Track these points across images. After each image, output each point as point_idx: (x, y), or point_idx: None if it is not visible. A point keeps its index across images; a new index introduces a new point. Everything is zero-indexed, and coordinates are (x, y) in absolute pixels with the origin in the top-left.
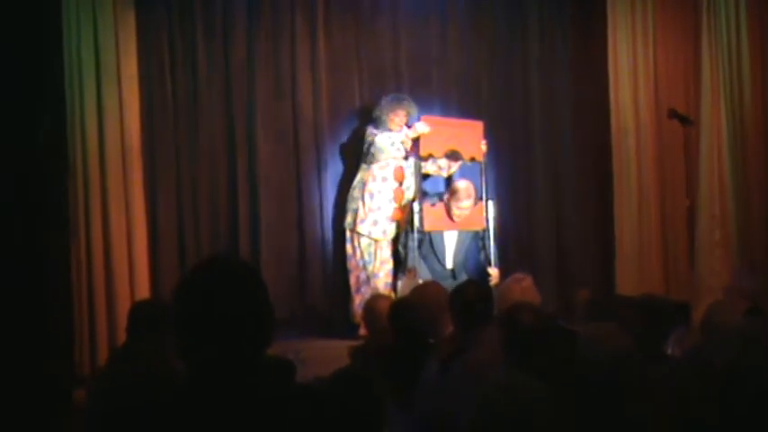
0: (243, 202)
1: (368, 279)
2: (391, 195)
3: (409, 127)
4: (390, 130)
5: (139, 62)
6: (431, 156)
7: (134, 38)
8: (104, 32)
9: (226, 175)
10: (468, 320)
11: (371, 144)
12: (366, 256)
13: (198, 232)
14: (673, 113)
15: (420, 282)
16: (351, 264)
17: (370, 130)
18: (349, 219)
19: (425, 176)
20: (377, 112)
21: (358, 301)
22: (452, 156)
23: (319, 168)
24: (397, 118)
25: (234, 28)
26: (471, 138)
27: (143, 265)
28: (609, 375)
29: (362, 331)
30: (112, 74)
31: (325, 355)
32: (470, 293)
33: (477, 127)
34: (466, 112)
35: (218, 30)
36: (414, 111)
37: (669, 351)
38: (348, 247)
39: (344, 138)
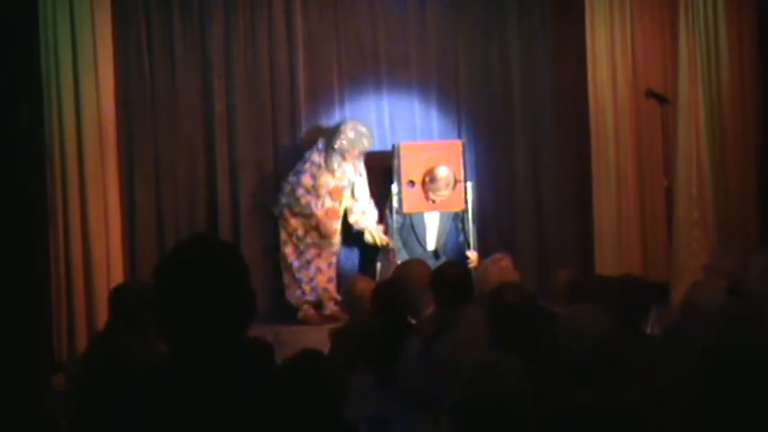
0: (222, 188)
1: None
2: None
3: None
4: (343, 158)
5: (116, 46)
6: (411, 182)
7: (110, 21)
8: (81, 17)
9: (204, 160)
10: (448, 300)
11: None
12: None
13: (177, 219)
14: (650, 93)
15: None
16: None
17: (319, 154)
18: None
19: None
20: (337, 140)
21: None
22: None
23: (295, 152)
24: (357, 152)
25: (211, 10)
26: (450, 159)
27: (121, 252)
28: (590, 356)
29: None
30: (89, 59)
31: (304, 339)
32: (450, 273)
33: (455, 147)
34: (444, 91)
35: (194, 12)
36: (370, 145)
37: (648, 330)
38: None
39: (323, 120)
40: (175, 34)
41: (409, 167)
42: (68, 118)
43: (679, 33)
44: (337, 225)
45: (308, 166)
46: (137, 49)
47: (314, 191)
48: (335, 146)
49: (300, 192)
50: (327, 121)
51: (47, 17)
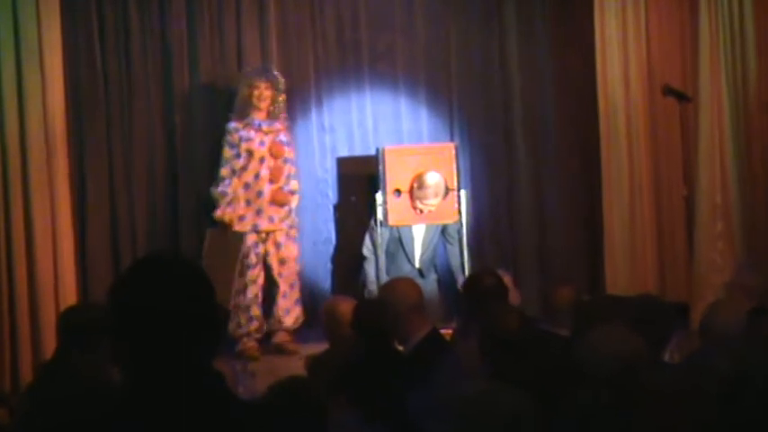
0: (185, 195)
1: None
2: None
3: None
4: (258, 108)
5: (64, 32)
6: (397, 191)
7: (57, 7)
8: (24, 3)
9: (165, 163)
10: (477, 312)
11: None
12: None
13: (133, 230)
14: (668, 90)
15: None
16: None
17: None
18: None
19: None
20: (240, 88)
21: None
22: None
23: None
24: (257, 91)
25: None
26: (441, 164)
27: (70, 267)
28: (615, 385)
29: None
30: (34, 50)
31: (277, 369)
32: (488, 282)
33: (447, 151)
34: (434, 88)
35: None
36: (280, 84)
37: (667, 357)
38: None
39: (298, 120)
40: (131, 21)
41: (395, 174)
42: (11, 118)
43: (700, 21)
44: (288, 189)
45: (224, 140)
46: (87, 35)
47: (243, 162)
48: (245, 93)
49: (226, 183)
50: (303, 121)
51: None
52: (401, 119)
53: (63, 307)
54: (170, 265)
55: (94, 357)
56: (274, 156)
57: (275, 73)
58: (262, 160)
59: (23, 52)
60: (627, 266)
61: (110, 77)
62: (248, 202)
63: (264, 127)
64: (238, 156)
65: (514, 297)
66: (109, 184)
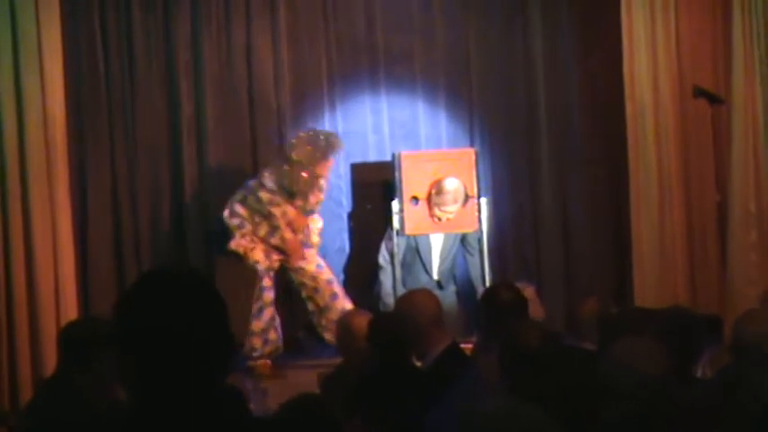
0: (190, 206)
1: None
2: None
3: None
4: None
5: (64, 35)
6: (415, 199)
7: (58, 9)
8: (22, 4)
9: (170, 170)
10: (496, 327)
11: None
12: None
13: (137, 240)
14: (699, 91)
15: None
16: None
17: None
18: None
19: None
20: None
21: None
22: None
23: None
24: (330, 164)
25: None
26: (461, 170)
27: (71, 280)
28: (641, 400)
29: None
30: (33, 54)
31: (289, 383)
32: (504, 298)
33: (467, 156)
34: (454, 91)
35: None
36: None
37: (699, 372)
38: None
39: (309, 121)
40: (135, 24)
41: (412, 181)
42: (9, 124)
43: (733, 20)
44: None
45: (255, 184)
46: (89, 42)
47: (260, 218)
48: (308, 179)
49: (242, 219)
50: (315, 126)
51: None
52: (419, 124)
53: (64, 321)
54: (178, 278)
55: (97, 374)
56: (293, 230)
57: (341, 144)
58: (275, 229)
59: (22, 56)
60: (656, 277)
61: (112, 82)
62: (253, 240)
63: (299, 199)
64: (260, 212)
65: (538, 310)
66: (111, 192)
